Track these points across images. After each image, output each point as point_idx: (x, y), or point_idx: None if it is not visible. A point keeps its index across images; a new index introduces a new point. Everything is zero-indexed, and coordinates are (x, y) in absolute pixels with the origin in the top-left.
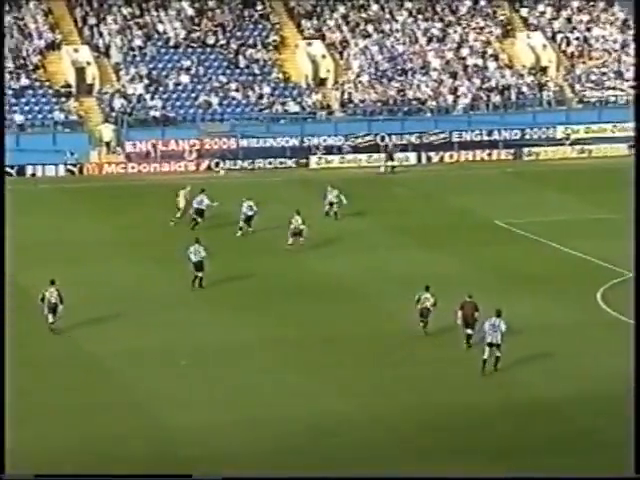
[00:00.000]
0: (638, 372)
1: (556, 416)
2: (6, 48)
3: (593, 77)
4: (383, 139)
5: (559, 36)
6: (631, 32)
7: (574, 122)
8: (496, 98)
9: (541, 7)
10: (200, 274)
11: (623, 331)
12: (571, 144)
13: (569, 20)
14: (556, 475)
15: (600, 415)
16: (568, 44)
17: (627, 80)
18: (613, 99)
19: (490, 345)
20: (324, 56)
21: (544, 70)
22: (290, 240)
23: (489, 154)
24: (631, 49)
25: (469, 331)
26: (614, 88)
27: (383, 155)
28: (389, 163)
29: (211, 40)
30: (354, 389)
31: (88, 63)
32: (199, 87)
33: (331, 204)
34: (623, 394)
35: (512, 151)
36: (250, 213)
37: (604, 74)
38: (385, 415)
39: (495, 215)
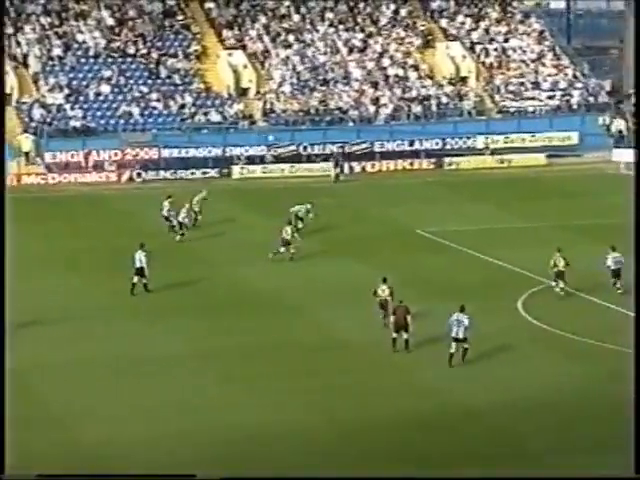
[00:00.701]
0: (638, 372)
1: (479, 423)
2: None
3: (512, 87)
4: (305, 148)
5: (478, 47)
6: (547, 43)
7: (494, 132)
8: (417, 108)
9: (460, 18)
10: (143, 280)
11: (543, 338)
12: (491, 154)
13: (487, 31)
14: (559, 476)
15: (523, 422)
16: (487, 55)
17: (544, 90)
18: (531, 109)
19: (455, 340)
20: (245, 66)
21: (464, 80)
22: (282, 249)
23: (411, 164)
24: (547, 59)
25: (405, 335)
26: (532, 98)
27: (331, 163)
28: (337, 171)
29: (131, 50)
30: (283, 400)
31: (6, 73)
32: (120, 97)
33: (300, 219)
34: (545, 400)
35: (433, 161)
36: (187, 220)
37: (522, 84)
38: (312, 424)
39: (417, 224)
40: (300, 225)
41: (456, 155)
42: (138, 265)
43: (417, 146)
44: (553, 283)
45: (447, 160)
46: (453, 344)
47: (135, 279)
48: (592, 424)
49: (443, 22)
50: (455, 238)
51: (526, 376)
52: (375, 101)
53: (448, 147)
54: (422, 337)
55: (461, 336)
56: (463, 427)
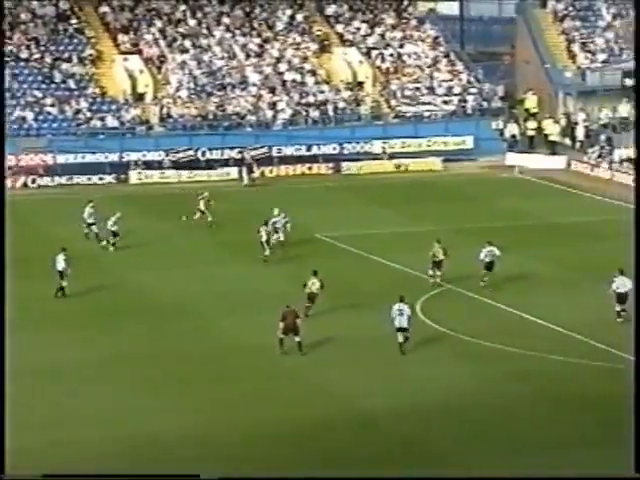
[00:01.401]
0: (638, 372)
1: (379, 426)
2: None
3: (407, 92)
4: (204, 153)
5: (374, 52)
6: (442, 48)
7: (391, 136)
8: (315, 113)
9: (356, 23)
10: (63, 283)
11: (442, 342)
12: (388, 158)
13: (383, 36)
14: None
15: (420, 426)
16: (383, 60)
17: (439, 95)
18: (427, 114)
19: (399, 329)
20: (142, 71)
21: (361, 85)
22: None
23: (309, 168)
24: (442, 65)
25: (296, 338)
26: (428, 103)
27: (244, 168)
28: (251, 175)
29: (25, 54)
30: (187, 405)
31: None
32: (13, 102)
33: (277, 230)
34: (445, 402)
35: (332, 165)
36: (114, 228)
37: (418, 89)
38: (215, 429)
39: (316, 229)
40: (278, 237)
41: (354, 160)
42: (59, 268)
43: (315, 151)
44: (430, 272)
45: (345, 165)
46: (399, 334)
47: (63, 283)
48: (491, 424)
49: (339, 27)
50: (354, 242)
51: (425, 378)
52: (273, 106)
53: (346, 152)
54: (323, 340)
55: (405, 325)
56: (363, 430)
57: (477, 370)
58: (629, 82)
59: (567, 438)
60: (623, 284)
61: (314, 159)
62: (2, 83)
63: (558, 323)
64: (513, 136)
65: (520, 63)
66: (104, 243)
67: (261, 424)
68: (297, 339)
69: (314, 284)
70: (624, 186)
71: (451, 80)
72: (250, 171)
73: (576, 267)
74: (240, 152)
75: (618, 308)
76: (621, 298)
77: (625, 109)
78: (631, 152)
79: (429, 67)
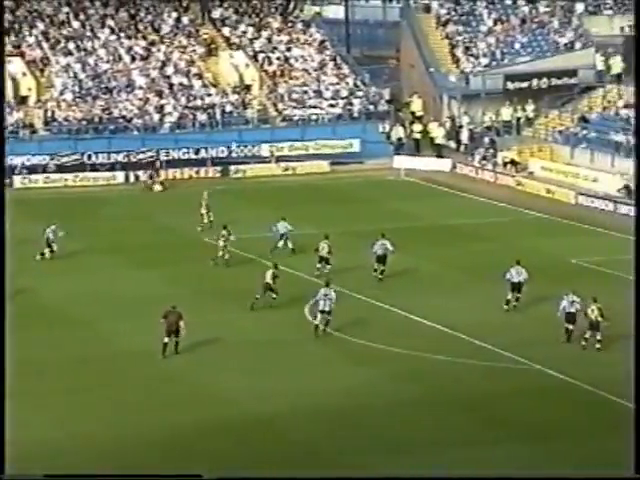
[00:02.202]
0: (638, 372)
1: (269, 430)
2: None
3: (295, 96)
4: (90, 157)
5: (261, 56)
6: (328, 52)
7: (278, 140)
8: (202, 116)
9: (243, 27)
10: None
11: (329, 343)
12: (276, 161)
13: (270, 40)
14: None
15: (308, 427)
16: (270, 63)
17: (326, 99)
18: (314, 117)
19: (322, 312)
20: (24, 74)
21: (248, 88)
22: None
23: (197, 172)
24: (329, 68)
25: (177, 339)
26: (315, 107)
27: (150, 172)
28: (160, 179)
29: None
30: (72, 414)
31: None
32: None
33: (282, 236)
34: (331, 405)
35: (219, 169)
36: (51, 236)
37: (305, 93)
38: (101, 438)
39: (204, 233)
40: (287, 245)
41: (242, 163)
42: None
43: (203, 154)
44: (318, 265)
45: (233, 168)
46: (319, 315)
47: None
48: (379, 425)
49: (226, 31)
50: (242, 245)
51: (313, 380)
52: (160, 109)
53: (234, 155)
54: (212, 343)
55: (327, 309)
56: (252, 433)
57: (365, 371)
58: (511, 86)
59: (454, 437)
60: (517, 273)
61: (202, 162)
62: (2, 83)
63: (444, 323)
64: (399, 139)
65: (405, 67)
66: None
67: (145, 430)
68: (176, 339)
69: (324, 248)
70: (508, 188)
71: (338, 83)
72: (157, 175)
73: (461, 268)
74: (152, 157)
75: (509, 296)
76: (514, 287)
77: (507, 112)
78: (514, 154)
79: (316, 70)
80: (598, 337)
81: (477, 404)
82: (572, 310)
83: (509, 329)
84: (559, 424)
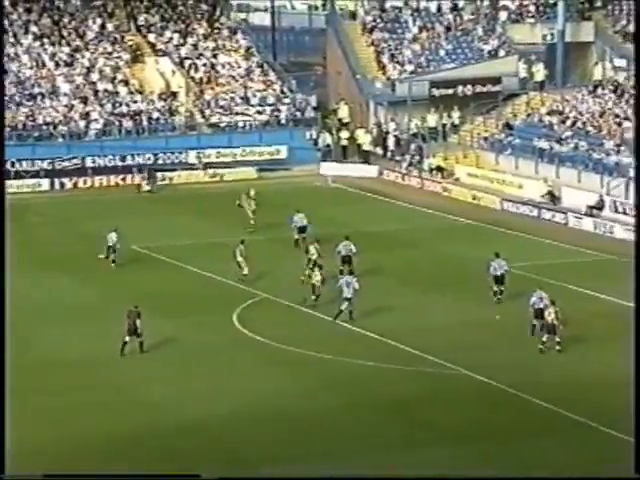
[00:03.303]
0: (638, 370)
1: (203, 435)
2: None
3: (222, 102)
4: (13, 164)
5: (187, 62)
6: (255, 59)
7: (205, 146)
8: (128, 123)
9: (168, 33)
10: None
11: (258, 350)
12: (203, 168)
13: (196, 46)
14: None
15: (236, 433)
16: (196, 70)
17: (253, 106)
18: (241, 124)
19: (346, 299)
20: None
21: (174, 95)
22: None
23: (123, 179)
24: (255, 75)
25: (139, 339)
26: (242, 113)
27: (144, 175)
28: (150, 183)
29: None
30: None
31: None
32: None
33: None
34: (260, 411)
35: (146, 175)
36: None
37: (232, 99)
38: (39, 441)
39: (132, 240)
40: (302, 235)
41: (169, 170)
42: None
43: (129, 161)
44: (238, 269)
45: (160, 175)
46: (345, 303)
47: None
48: (306, 430)
49: (151, 37)
50: (170, 253)
51: (242, 387)
52: (85, 116)
53: (160, 162)
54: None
55: (349, 295)
56: (176, 441)
57: (293, 377)
58: (436, 92)
59: (380, 440)
60: (499, 266)
61: (128, 170)
62: (2, 82)
63: (372, 329)
64: (327, 146)
65: (332, 73)
66: None
67: (83, 435)
68: (139, 340)
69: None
70: (434, 194)
71: (265, 90)
72: (150, 177)
73: (388, 274)
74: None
75: (495, 288)
76: (498, 280)
77: (433, 119)
78: (440, 161)
79: (242, 77)
80: (557, 339)
81: (403, 408)
82: (541, 306)
83: (437, 333)
84: (483, 426)
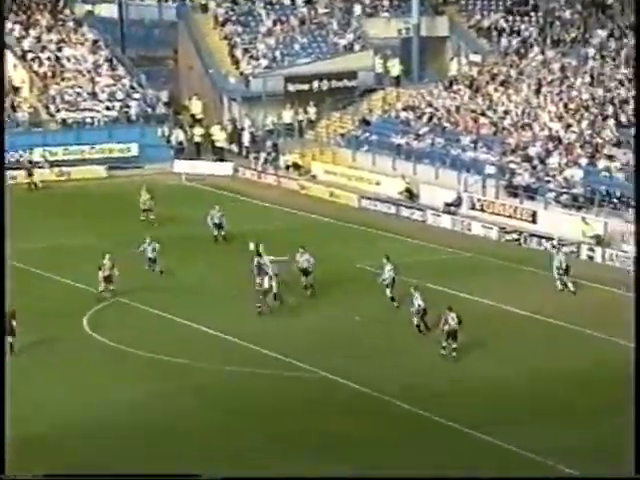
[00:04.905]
0: (638, 369)
1: (42, 444)
2: None
3: (68, 98)
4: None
5: (30, 55)
6: (102, 52)
7: (52, 144)
8: None
9: (9, 25)
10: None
11: (112, 356)
12: (50, 166)
13: (39, 39)
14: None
15: (82, 442)
16: (40, 64)
17: (102, 101)
18: (89, 120)
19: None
20: None
21: (17, 90)
22: None
23: None
24: (103, 70)
25: (10, 339)
26: (90, 109)
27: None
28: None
29: None
30: None
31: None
32: None
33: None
34: (113, 420)
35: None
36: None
37: (79, 95)
38: None
39: None
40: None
41: (14, 169)
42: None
43: None
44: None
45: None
46: (303, 277)
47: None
48: (161, 440)
49: None
50: (20, 257)
51: (95, 394)
52: None
53: (5, 161)
54: None
55: (310, 269)
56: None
57: (150, 385)
58: (291, 87)
59: (242, 447)
60: (389, 272)
61: None
62: (2, 81)
63: (231, 333)
64: (180, 143)
65: (184, 68)
66: None
67: None
68: (9, 340)
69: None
70: (291, 192)
71: (113, 85)
72: (29, 175)
73: (246, 276)
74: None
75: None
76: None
77: (289, 115)
78: (296, 158)
79: (89, 72)
80: (454, 346)
81: (266, 415)
82: (423, 306)
83: (298, 337)
84: (348, 433)
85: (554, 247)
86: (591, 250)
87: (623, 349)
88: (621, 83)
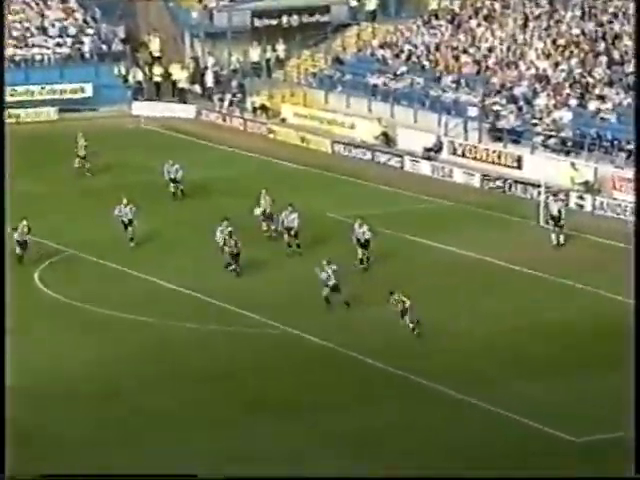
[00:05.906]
0: (638, 368)
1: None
2: None
3: (15, 33)
4: None
5: None
6: None
7: None
8: None
9: None
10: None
11: (66, 313)
12: None
13: None
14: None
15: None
16: None
17: (52, 37)
18: (39, 58)
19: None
20: None
21: None
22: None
23: None
24: (54, 2)
25: None
26: (39, 46)
27: None
28: None
29: None
30: None
31: None
32: None
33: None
34: (68, 383)
35: None
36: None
37: (27, 30)
38: None
39: None
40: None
41: None
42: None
43: None
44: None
45: None
46: (286, 236)
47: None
48: (122, 401)
49: None
50: None
51: (50, 354)
52: None
53: None
54: None
55: (293, 227)
56: None
57: (108, 343)
58: (259, 23)
59: (205, 413)
60: (363, 232)
61: None
62: (2, 81)
63: (190, 287)
64: (138, 83)
65: (142, 1)
66: None
67: None
68: None
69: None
70: (259, 136)
71: (65, 19)
72: None
73: (208, 227)
74: None
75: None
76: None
77: (256, 53)
78: (264, 99)
79: (38, 4)
80: (412, 326)
81: (228, 374)
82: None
83: (263, 293)
84: (319, 392)
85: (549, 196)
86: (580, 198)
87: (615, 303)
88: (615, 16)
